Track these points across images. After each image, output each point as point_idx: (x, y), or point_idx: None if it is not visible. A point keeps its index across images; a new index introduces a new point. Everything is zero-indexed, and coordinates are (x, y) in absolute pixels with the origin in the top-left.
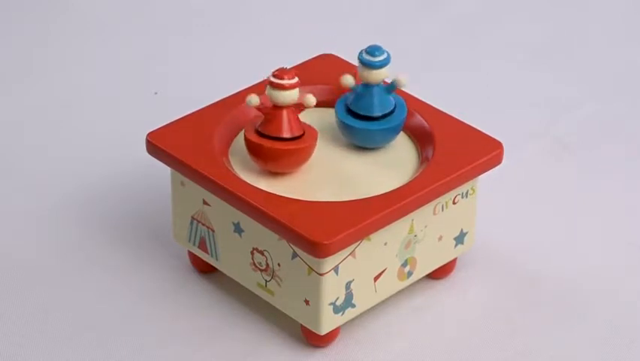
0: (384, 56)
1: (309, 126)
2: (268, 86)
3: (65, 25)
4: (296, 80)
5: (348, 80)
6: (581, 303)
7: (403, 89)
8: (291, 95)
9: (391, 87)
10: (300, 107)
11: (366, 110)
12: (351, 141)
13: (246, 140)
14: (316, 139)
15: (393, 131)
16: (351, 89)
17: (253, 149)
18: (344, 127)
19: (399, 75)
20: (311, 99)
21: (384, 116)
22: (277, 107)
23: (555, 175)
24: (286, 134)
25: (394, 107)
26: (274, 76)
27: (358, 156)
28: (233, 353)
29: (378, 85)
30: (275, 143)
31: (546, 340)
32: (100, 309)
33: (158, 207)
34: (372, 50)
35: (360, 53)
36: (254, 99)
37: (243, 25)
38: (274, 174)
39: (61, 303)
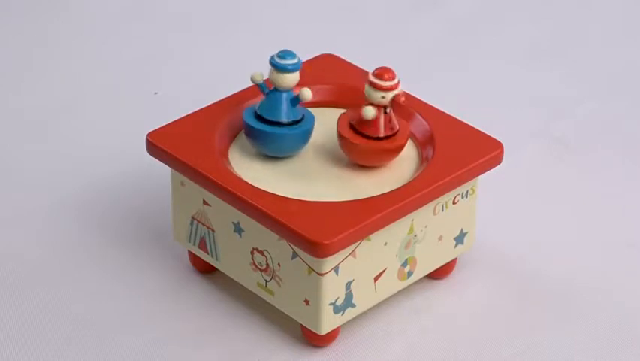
0: (296, 60)
1: (401, 121)
2: (368, 86)
3: (65, 25)
4: (396, 80)
5: (256, 77)
6: (581, 303)
7: (306, 100)
8: (388, 95)
9: (296, 100)
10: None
11: (275, 116)
12: (260, 150)
13: (344, 139)
14: (408, 136)
15: (302, 138)
16: (259, 86)
17: (351, 147)
18: (251, 132)
19: (303, 89)
20: (307, 93)
21: (294, 122)
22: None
23: (555, 175)
24: (381, 134)
25: (303, 116)
26: (375, 76)
27: None
28: (233, 353)
29: (288, 91)
30: (375, 143)
31: (546, 340)
32: (100, 309)
33: (158, 207)
34: (284, 54)
35: (272, 57)
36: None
37: (243, 25)
38: (274, 174)
39: (61, 303)
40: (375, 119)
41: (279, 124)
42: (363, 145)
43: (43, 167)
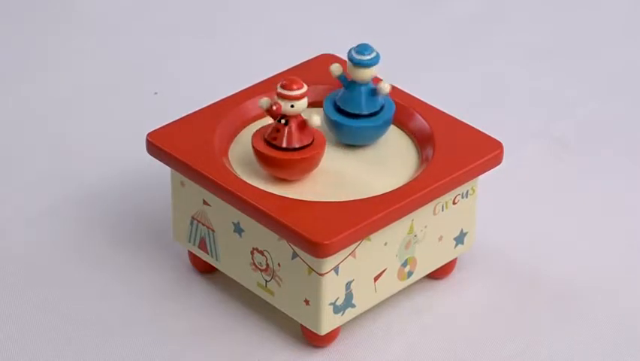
0: (374, 54)
1: (318, 132)
2: (277, 97)
3: (65, 25)
4: (305, 89)
5: (336, 69)
6: (581, 303)
7: (384, 94)
8: (299, 106)
9: (374, 92)
10: (304, 124)
11: (354, 108)
12: (340, 140)
13: (255, 150)
14: (324, 146)
15: (381, 129)
16: (339, 79)
17: (263, 159)
18: (332, 125)
19: (381, 83)
20: (315, 120)
21: (373, 114)
22: (286, 116)
23: (555, 175)
24: (296, 144)
25: (382, 106)
26: (282, 86)
27: (358, 155)
28: (233, 353)
29: (366, 84)
30: (284, 153)
31: (546, 340)
32: (100, 309)
33: (158, 207)
34: (362, 49)
35: (350, 51)
36: (265, 102)
37: (243, 25)
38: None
39: (61, 303)
40: (281, 131)
41: (358, 116)
42: (272, 155)
43: (43, 166)
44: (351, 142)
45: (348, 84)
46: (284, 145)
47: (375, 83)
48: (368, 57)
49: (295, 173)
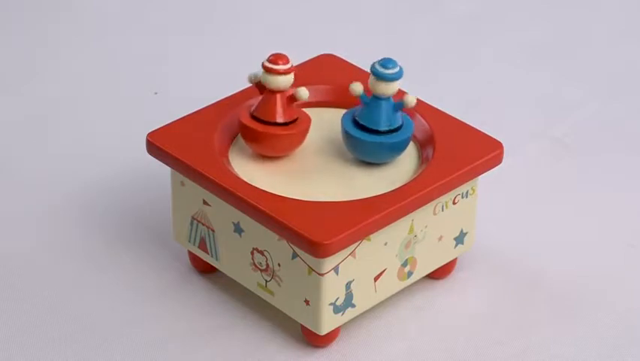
0: (397, 69)
1: (304, 112)
2: (263, 72)
3: (65, 25)
4: (290, 65)
5: (356, 88)
6: (581, 303)
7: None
8: (285, 81)
9: (399, 106)
10: (292, 99)
11: (373, 124)
12: (356, 155)
13: (240, 123)
14: (309, 124)
15: (397, 147)
16: (360, 98)
17: (246, 132)
18: (348, 138)
19: (408, 96)
20: (303, 92)
21: (391, 131)
22: (272, 92)
23: (555, 175)
24: (279, 119)
25: (402, 124)
26: (269, 61)
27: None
28: (233, 353)
29: (387, 99)
30: (268, 128)
31: (546, 340)
32: (100, 309)
33: (158, 207)
34: (386, 63)
35: (373, 64)
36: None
37: (243, 25)
38: (274, 173)
39: (61, 303)
40: (274, 105)
41: (377, 132)
42: (261, 131)
43: (43, 167)
44: (367, 158)
45: (369, 101)
46: (268, 120)
47: (400, 96)
48: (392, 71)
49: (282, 149)
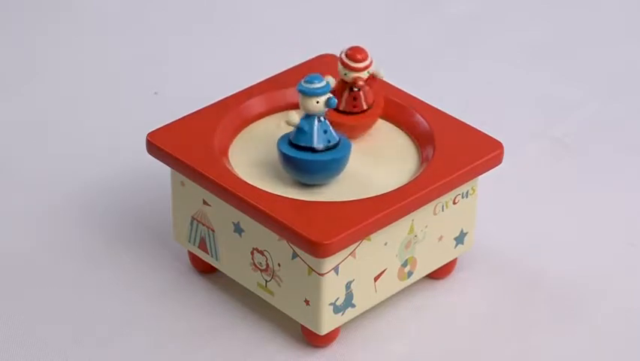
0: (323, 83)
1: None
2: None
3: (66, 25)
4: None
5: (292, 118)
6: (581, 303)
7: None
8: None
9: (329, 104)
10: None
11: (306, 141)
12: (293, 176)
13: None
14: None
15: (335, 164)
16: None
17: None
18: (284, 159)
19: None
20: (293, 117)
21: (328, 149)
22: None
23: (555, 175)
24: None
25: (338, 141)
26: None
27: (358, 156)
28: (233, 353)
29: (319, 116)
30: (369, 115)
31: (546, 340)
32: (100, 309)
33: (158, 207)
34: (311, 79)
35: (299, 83)
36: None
37: (243, 26)
38: (274, 174)
39: (61, 303)
40: (339, 94)
41: (311, 150)
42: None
43: (43, 167)
44: (303, 179)
45: (302, 119)
46: (365, 107)
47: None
48: (318, 86)
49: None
